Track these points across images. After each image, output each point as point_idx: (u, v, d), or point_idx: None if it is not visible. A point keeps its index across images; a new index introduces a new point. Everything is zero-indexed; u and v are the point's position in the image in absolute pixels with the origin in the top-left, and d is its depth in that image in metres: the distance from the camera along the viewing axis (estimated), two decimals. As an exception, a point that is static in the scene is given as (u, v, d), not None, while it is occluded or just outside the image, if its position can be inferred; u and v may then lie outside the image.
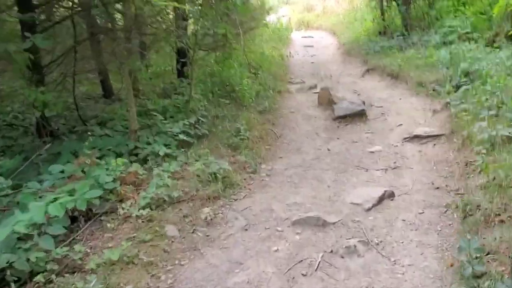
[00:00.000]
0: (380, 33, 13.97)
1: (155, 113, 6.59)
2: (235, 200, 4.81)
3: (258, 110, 7.70)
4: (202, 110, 6.91)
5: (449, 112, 6.75)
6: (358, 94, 9.22)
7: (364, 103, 8.11)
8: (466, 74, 7.98)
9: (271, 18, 24.12)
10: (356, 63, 12.22)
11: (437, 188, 4.80)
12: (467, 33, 9.54)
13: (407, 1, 13.07)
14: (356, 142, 6.58)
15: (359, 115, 7.50)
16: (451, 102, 6.90)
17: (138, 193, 4.54)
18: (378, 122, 7.38)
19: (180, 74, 8.68)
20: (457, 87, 7.79)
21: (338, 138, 6.79)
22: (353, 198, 4.70)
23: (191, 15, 7.58)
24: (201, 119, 6.46)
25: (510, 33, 9.94)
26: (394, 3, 13.93)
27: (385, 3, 14.34)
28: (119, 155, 5.48)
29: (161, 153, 5.31)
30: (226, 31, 8.26)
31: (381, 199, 4.60)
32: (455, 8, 12.30)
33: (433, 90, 8.23)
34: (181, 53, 8.42)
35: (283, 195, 4.94)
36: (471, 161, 5.01)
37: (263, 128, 6.99)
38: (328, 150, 6.34)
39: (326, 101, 7.96)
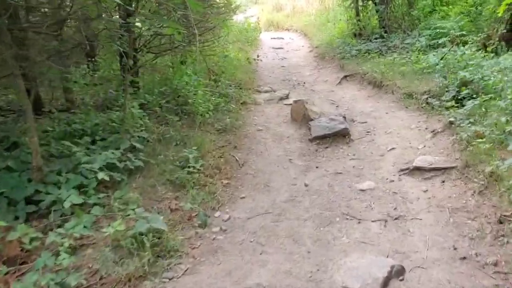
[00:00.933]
0: (355, 35, 12.52)
1: (78, 136, 4.87)
2: (170, 279, 3.14)
3: (216, 128, 6.05)
4: (142, 130, 5.20)
5: (453, 135, 5.26)
6: (336, 106, 7.68)
7: (345, 118, 6.57)
8: (465, 83, 6.54)
9: (238, 18, 22.54)
10: (331, 68, 10.70)
11: (464, 258, 3.24)
12: (463, 35, 8.10)
13: (385, 0, 11.64)
14: (341, 173, 5.00)
15: (341, 135, 5.94)
16: (456, 122, 5.42)
17: (16, 279, 2.83)
18: (365, 144, 5.83)
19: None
20: (458, 100, 6.34)
21: (317, 167, 5.19)
22: (346, 277, 3.08)
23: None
24: (137, 145, 4.75)
25: (504, 35, 8.62)
26: (370, 2, 12.49)
27: (360, 3, 12.90)
28: (12, 203, 3.76)
29: (67, 204, 3.59)
30: (175, 31, 6.63)
31: (386, 281, 3.02)
32: (439, 9, 10.93)
33: (426, 103, 6.75)
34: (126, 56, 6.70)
35: (243, 268, 3.29)
36: (506, 215, 3.50)
37: (221, 154, 5.34)
38: (306, 186, 4.73)
39: (301, 116, 6.38)
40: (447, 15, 10.39)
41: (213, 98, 6.57)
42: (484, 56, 7.66)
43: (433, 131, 5.69)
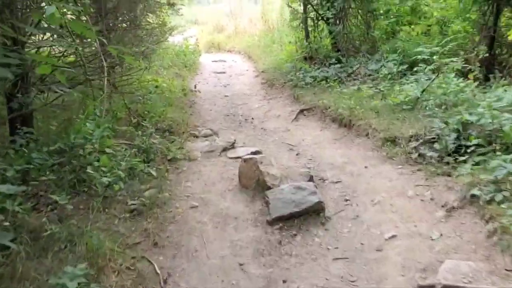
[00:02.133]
0: (306, 58, 10.77)
1: None
2: None
3: (129, 208, 3.93)
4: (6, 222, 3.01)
5: (484, 218, 3.44)
6: (297, 154, 5.76)
7: (312, 178, 4.67)
8: (466, 127, 4.84)
9: (176, 39, 20.44)
10: (283, 98, 8.83)
11: None
12: (450, 60, 6.41)
13: (339, 19, 9.98)
14: (324, 294, 3.04)
15: (313, 212, 3.99)
16: (483, 196, 3.61)
17: None
18: (347, 224, 3.91)
19: (13, 130, 4.69)
20: (459, 150, 4.61)
21: (284, 282, 3.19)
22: None
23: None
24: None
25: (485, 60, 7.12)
26: (321, 22, 10.82)
27: (310, 23, 11.20)
28: None
29: None
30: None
31: None
32: (399, 28, 9.38)
33: (418, 154, 4.97)
34: (13, 97, 4.49)
35: None
36: None
37: (132, 262, 3.23)
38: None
39: (253, 181, 4.37)
40: (409, 35, 8.84)
41: (128, 158, 4.43)
42: (471, 86, 6.07)
43: (445, 205, 3.85)
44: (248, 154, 5.24)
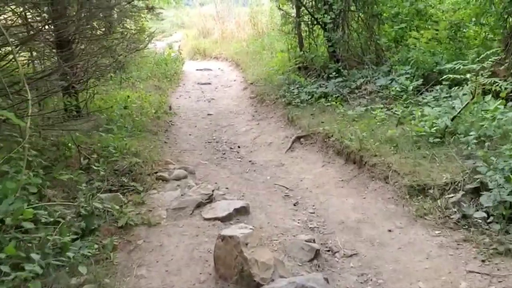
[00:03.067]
0: (300, 69, 9.41)
1: None
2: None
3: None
4: None
5: None
6: (294, 204, 4.38)
7: (318, 253, 3.30)
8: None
9: (160, 45, 19.02)
10: (275, 119, 7.44)
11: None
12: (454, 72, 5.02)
13: (338, 25, 8.62)
14: None
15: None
16: None
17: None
18: None
19: None
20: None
21: None
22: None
23: None
24: None
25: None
26: (317, 28, 9.46)
27: (304, 28, 9.84)
28: None
29: None
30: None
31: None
32: (407, 35, 8.03)
33: (463, 215, 3.61)
34: None
35: None
36: None
37: None
38: None
39: (236, 272, 2.96)
40: (416, 41, 7.50)
41: (55, 235, 3.03)
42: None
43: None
44: (231, 213, 3.86)
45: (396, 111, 5.63)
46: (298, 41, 9.97)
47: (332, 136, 5.66)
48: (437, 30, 7.67)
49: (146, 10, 12.58)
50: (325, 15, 8.16)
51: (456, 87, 4.97)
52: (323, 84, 7.77)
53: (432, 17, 8.04)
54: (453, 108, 5.05)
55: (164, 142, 6.38)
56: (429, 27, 7.97)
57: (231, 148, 6.31)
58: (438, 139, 4.63)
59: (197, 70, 13.86)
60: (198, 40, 17.76)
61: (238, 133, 7.02)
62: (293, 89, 7.99)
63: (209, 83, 11.76)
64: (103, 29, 11.66)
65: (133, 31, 12.83)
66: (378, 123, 5.51)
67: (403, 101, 5.92)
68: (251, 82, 10.54)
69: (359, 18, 8.61)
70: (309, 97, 7.45)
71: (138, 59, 12.54)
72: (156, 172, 4.90)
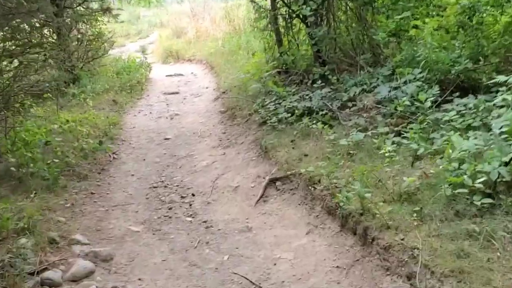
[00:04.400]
0: (280, 73, 7.57)
1: None
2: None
3: None
4: None
5: None
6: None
7: None
8: None
9: (131, 48, 17.07)
10: (245, 147, 5.56)
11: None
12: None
13: (323, 20, 6.78)
14: None
15: None
16: None
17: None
18: None
19: None
20: None
21: None
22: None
23: None
24: None
25: None
26: (297, 21, 7.60)
27: (282, 23, 7.98)
28: None
29: None
30: None
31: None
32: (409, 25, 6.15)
33: None
34: None
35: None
36: None
37: None
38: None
39: None
40: (421, 33, 5.63)
41: None
42: None
43: None
44: None
45: (411, 141, 3.78)
46: (275, 39, 8.12)
47: (319, 181, 3.82)
48: (442, 17, 5.85)
49: (101, 12, 10.63)
50: (304, 6, 6.28)
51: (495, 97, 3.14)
52: (307, 95, 5.90)
53: (441, 1, 6.18)
54: (501, 137, 3.20)
55: (90, 194, 4.52)
56: (433, 13, 6.15)
57: (182, 197, 4.45)
58: (488, 200, 2.79)
59: (167, 76, 11.96)
60: (172, 40, 15.79)
61: (196, 169, 5.15)
62: (269, 103, 6.13)
63: (177, 93, 9.87)
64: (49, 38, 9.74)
65: (90, 36, 10.93)
66: (385, 161, 3.66)
67: (420, 124, 4.07)
68: (224, 91, 8.67)
69: (347, 7, 6.73)
70: (289, 114, 5.59)
71: (96, 69, 10.63)
72: (44, 269, 3.04)
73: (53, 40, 9.47)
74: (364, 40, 6.22)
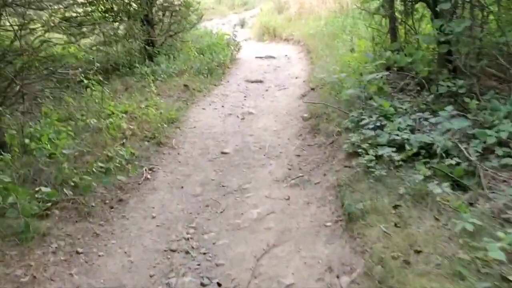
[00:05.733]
0: (389, 69, 5.48)
1: None
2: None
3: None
4: None
5: None
6: None
7: None
8: None
9: (232, 20, 15.57)
10: (319, 190, 3.63)
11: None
12: None
13: (461, 6, 4.47)
14: None
15: None
16: None
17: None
18: None
19: None
20: None
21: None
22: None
23: None
24: None
25: None
26: (420, 6, 5.35)
27: (400, 7, 5.80)
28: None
29: None
30: None
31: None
32: None
33: None
34: None
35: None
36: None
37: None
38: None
39: None
40: None
41: None
42: None
43: None
44: None
45: None
46: (389, 27, 5.96)
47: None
48: None
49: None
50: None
51: None
52: (426, 121, 3.79)
53: None
54: None
55: (75, 253, 2.98)
56: None
57: (202, 286, 2.71)
58: None
59: (256, 58, 10.21)
60: (271, 16, 13.92)
61: (241, 224, 3.36)
62: (368, 122, 4.11)
63: (261, 81, 8.10)
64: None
65: (177, 6, 9.49)
66: None
67: None
68: (313, 87, 6.72)
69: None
70: (394, 149, 3.54)
71: (177, 45, 9.21)
72: None
73: (135, 8, 8.18)
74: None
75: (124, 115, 5.55)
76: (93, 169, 3.79)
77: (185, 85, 7.37)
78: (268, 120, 5.92)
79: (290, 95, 7.05)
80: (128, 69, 7.80)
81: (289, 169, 4.24)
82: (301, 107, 6.22)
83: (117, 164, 4.09)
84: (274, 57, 10.08)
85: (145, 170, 4.29)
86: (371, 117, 4.23)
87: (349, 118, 4.49)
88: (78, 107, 5.34)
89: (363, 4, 6.47)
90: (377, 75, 4.78)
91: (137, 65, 7.84)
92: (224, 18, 17.26)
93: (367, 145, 3.83)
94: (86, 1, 7.93)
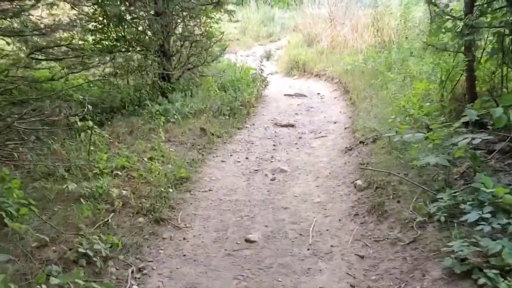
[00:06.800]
0: (483, 126, 3.94)
1: None
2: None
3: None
4: None
5: None
6: None
7: None
8: None
9: (258, 52, 14.32)
10: None
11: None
12: None
13: None
14: None
15: None
16: None
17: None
18: None
19: None
20: None
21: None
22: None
23: None
24: None
25: None
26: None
27: (482, 41, 4.29)
28: None
29: None
30: None
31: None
32: None
33: None
34: None
35: None
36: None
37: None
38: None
39: None
40: None
41: None
42: None
43: None
44: None
45: None
46: (466, 69, 4.47)
47: None
48: None
49: (211, 6, 7.77)
50: None
51: None
52: None
53: None
54: None
55: None
56: None
57: None
58: None
59: (285, 95, 8.78)
60: (301, 49, 12.55)
61: None
62: (477, 220, 2.54)
63: (293, 125, 6.64)
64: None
65: (197, 36, 8.18)
66: None
67: None
68: (362, 141, 5.18)
69: None
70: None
71: (196, 79, 7.85)
72: None
73: (150, 36, 6.90)
74: None
75: (119, 172, 4.14)
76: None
77: (202, 129, 5.96)
78: (307, 183, 4.41)
79: (331, 146, 5.55)
80: (137, 106, 6.44)
81: (352, 279, 2.69)
82: (349, 166, 4.70)
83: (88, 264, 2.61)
84: (305, 95, 8.65)
85: (131, 273, 2.80)
86: (477, 205, 2.67)
87: (438, 204, 2.94)
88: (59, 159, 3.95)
89: (429, 37, 5.00)
90: (472, 137, 3.23)
91: (147, 102, 6.47)
92: (248, 50, 16.03)
93: (481, 257, 2.27)
94: (95, 29, 6.80)
